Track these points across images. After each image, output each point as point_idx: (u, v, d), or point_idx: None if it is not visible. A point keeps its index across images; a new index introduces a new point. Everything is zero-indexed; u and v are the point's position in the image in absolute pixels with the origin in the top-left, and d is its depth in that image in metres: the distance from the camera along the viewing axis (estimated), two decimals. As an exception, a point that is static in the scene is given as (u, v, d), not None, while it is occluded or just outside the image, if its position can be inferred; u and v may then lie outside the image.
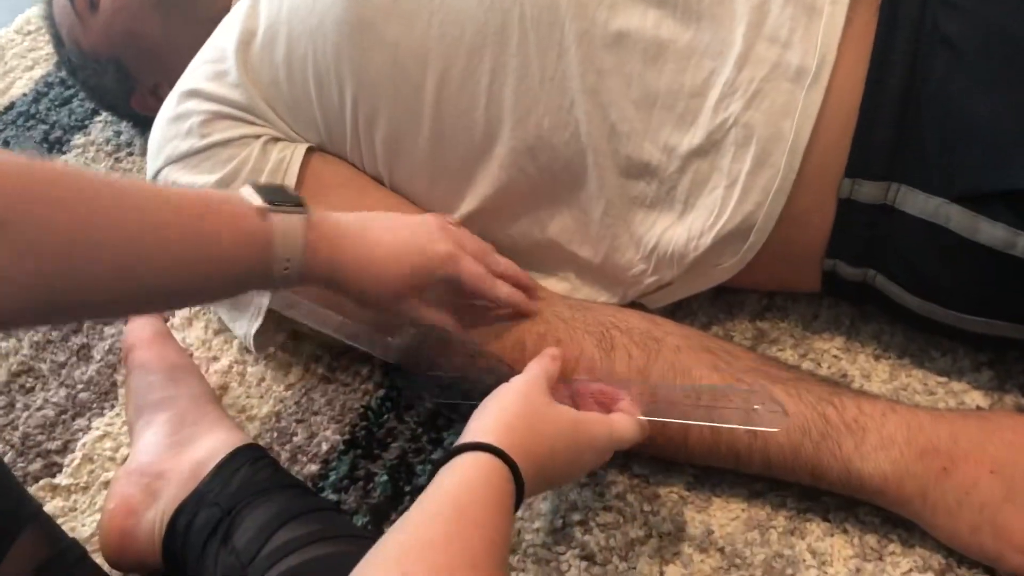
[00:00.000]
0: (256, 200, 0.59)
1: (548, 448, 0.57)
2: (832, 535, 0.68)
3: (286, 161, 0.78)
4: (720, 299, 0.83)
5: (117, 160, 1.17)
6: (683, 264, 0.75)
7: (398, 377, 0.83)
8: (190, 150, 0.79)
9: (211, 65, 0.81)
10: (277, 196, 0.60)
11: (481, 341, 0.73)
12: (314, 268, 0.61)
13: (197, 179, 0.78)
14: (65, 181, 0.49)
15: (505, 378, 0.61)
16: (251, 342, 0.82)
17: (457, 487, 0.51)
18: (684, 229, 0.73)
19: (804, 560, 0.67)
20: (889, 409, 0.65)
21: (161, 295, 0.56)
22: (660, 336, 0.70)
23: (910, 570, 0.65)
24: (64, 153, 1.20)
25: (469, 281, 0.68)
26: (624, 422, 0.62)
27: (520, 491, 0.54)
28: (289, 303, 0.77)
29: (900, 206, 0.67)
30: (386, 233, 0.66)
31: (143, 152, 1.15)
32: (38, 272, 0.48)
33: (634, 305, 0.80)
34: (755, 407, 0.61)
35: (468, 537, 0.48)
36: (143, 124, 1.18)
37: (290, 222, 0.59)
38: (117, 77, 1.06)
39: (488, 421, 0.57)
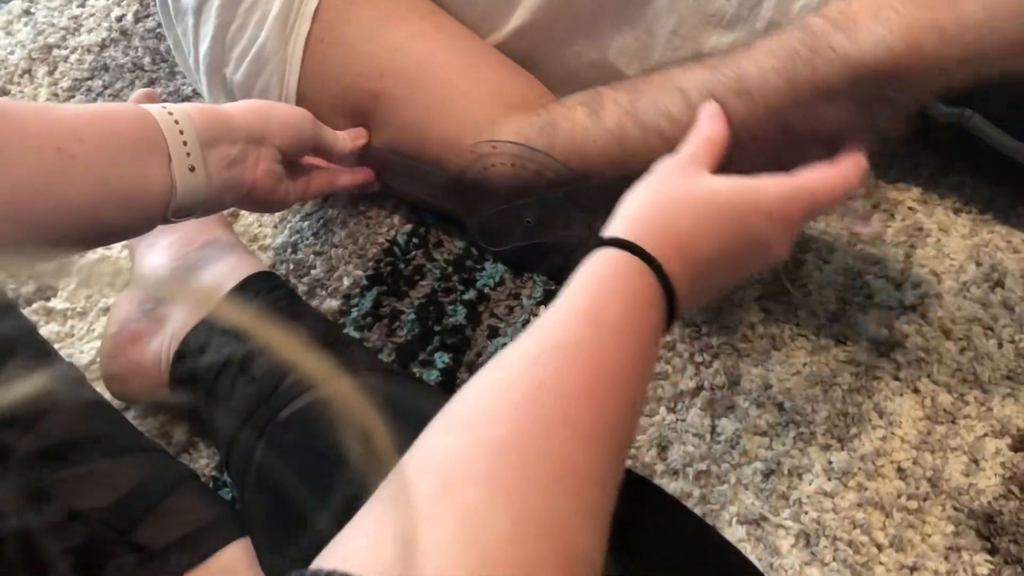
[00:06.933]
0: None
1: (696, 237, 0.46)
2: (902, 395, 0.63)
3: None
4: (786, 141, 0.75)
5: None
6: (756, 95, 0.66)
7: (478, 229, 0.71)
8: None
9: None
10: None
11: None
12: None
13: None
14: None
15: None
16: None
17: (584, 287, 0.43)
18: (763, 53, 0.65)
19: (870, 420, 0.62)
20: None
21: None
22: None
23: (984, 435, 0.61)
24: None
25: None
26: (839, 171, 0.50)
27: (671, 295, 0.44)
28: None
29: (1018, 33, 0.58)
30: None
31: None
32: None
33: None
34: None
35: (601, 344, 0.40)
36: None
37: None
38: None
39: (618, 216, 0.47)
